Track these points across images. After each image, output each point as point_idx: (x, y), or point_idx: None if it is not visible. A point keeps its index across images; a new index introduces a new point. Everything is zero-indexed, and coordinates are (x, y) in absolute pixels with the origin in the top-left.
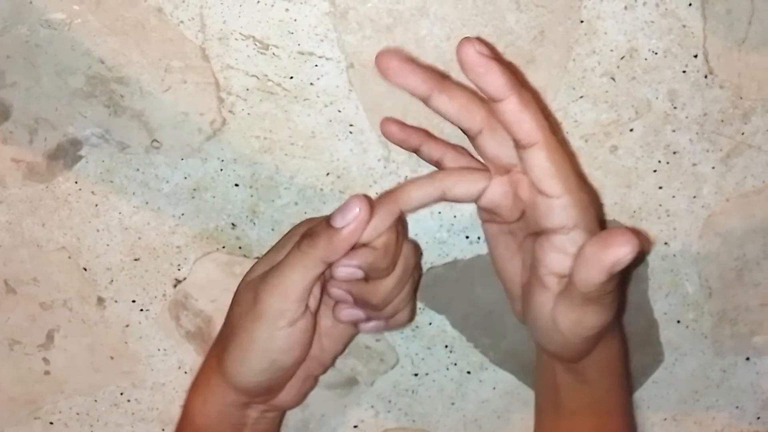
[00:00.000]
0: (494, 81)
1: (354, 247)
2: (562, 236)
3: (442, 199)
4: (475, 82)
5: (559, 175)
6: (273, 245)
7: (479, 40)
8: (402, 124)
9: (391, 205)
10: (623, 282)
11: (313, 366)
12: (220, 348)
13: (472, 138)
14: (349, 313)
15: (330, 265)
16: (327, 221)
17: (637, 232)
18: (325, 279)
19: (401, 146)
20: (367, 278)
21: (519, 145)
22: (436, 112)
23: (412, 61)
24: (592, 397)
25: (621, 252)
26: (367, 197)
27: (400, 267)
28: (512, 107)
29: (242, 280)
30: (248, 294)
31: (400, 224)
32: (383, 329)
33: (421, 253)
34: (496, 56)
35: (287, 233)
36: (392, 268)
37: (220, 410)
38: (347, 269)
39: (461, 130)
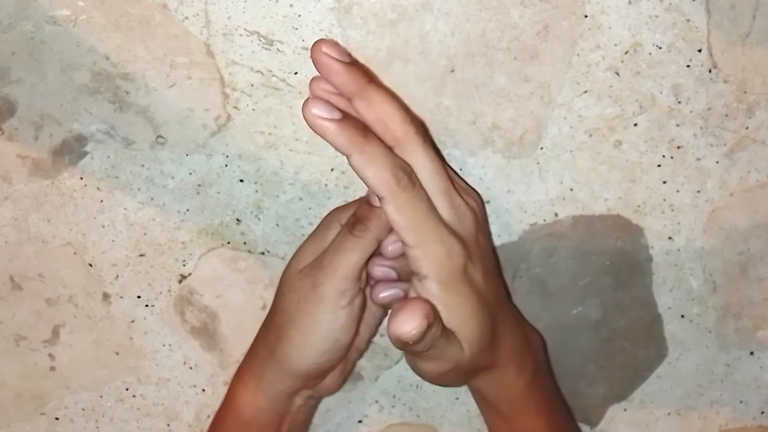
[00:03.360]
0: (333, 141)
1: None
2: (417, 282)
3: None
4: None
5: (408, 227)
6: (308, 238)
7: (323, 99)
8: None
9: None
10: (516, 333)
11: (351, 352)
12: (272, 339)
13: None
14: (388, 293)
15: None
16: (368, 203)
17: (426, 309)
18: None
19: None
20: None
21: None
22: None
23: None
24: (500, 415)
25: (401, 329)
26: None
27: None
28: (354, 164)
29: (287, 272)
30: (304, 281)
31: None
32: None
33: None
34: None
35: (321, 224)
36: None
37: (274, 398)
38: (398, 244)
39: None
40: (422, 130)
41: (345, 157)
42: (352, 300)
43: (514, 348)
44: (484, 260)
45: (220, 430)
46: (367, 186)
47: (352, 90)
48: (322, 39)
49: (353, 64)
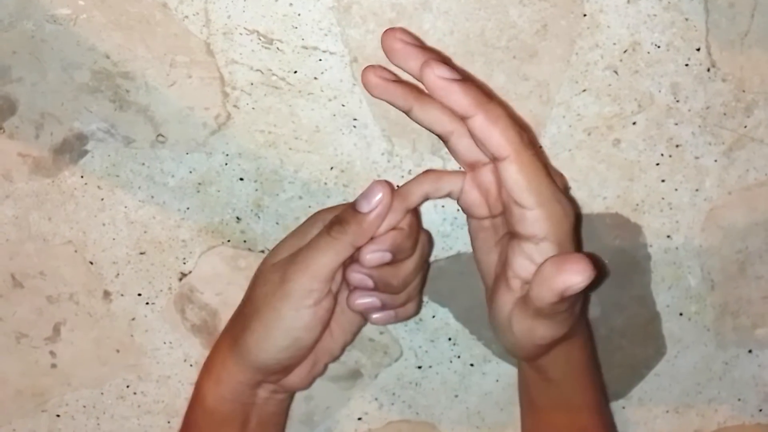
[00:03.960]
0: (457, 101)
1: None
2: (532, 245)
3: (429, 198)
4: (442, 102)
5: (531, 187)
6: (290, 233)
7: (437, 60)
8: (387, 76)
9: (398, 203)
10: (585, 299)
11: (322, 354)
12: (237, 329)
13: (444, 141)
14: (364, 301)
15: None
16: (353, 208)
17: (594, 260)
18: (344, 266)
19: (390, 102)
20: (391, 261)
21: (491, 158)
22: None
23: (412, 48)
24: (560, 395)
25: (573, 279)
26: (387, 182)
27: (419, 249)
28: (479, 124)
29: (263, 263)
30: (275, 275)
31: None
32: (392, 320)
33: (433, 243)
34: (461, 72)
35: (306, 221)
36: (415, 247)
37: (233, 388)
38: (377, 254)
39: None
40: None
41: (346, 160)
42: (319, 301)
43: (583, 317)
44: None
45: (189, 419)
46: (489, 147)
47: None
48: (428, 62)
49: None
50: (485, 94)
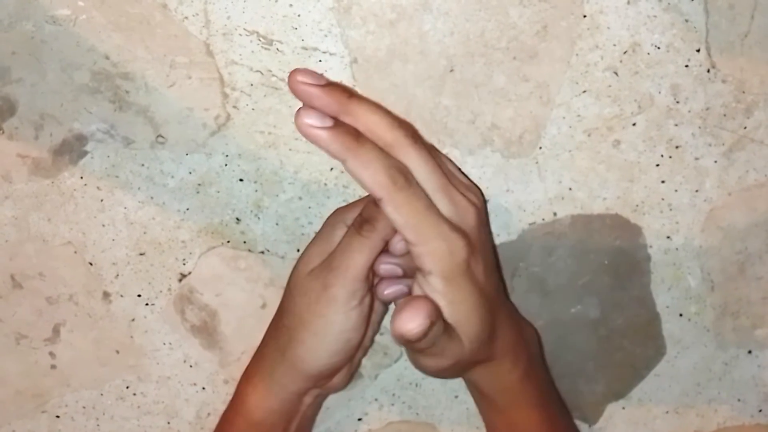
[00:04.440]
0: (327, 148)
1: None
2: (422, 277)
3: None
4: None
5: (408, 226)
6: (313, 240)
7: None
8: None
9: None
10: (514, 327)
11: (358, 349)
12: (282, 342)
13: None
14: (394, 289)
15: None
16: (374, 204)
17: (429, 307)
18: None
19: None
20: None
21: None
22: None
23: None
24: (495, 407)
25: (405, 327)
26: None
27: None
28: (350, 169)
29: (296, 275)
30: (314, 282)
31: None
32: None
33: None
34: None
35: (326, 225)
36: None
37: (284, 398)
38: (404, 242)
39: None
40: (412, 131)
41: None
42: (362, 300)
43: (510, 341)
44: (485, 255)
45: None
46: (365, 189)
47: (335, 109)
48: (295, 69)
49: (330, 85)
50: (356, 135)
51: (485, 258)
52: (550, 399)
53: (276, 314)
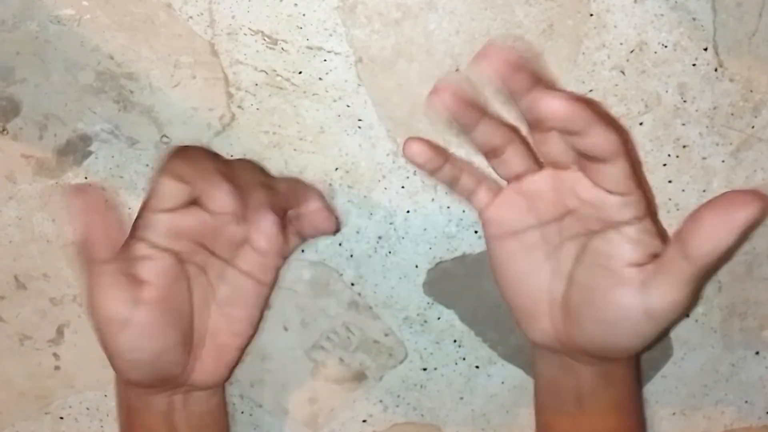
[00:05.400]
0: (602, 144)
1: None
2: (635, 226)
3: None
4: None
5: (632, 175)
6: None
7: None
8: (427, 145)
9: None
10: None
11: (223, 338)
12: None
13: (495, 155)
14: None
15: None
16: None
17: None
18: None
19: (423, 168)
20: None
21: (595, 160)
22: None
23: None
24: (616, 397)
25: (750, 209)
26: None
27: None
28: (593, 139)
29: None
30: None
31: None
32: (308, 234)
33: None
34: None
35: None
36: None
37: (146, 401)
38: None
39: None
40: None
41: (351, 161)
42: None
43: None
44: None
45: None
46: (594, 149)
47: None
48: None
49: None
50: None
51: None
52: (634, 405)
53: None
